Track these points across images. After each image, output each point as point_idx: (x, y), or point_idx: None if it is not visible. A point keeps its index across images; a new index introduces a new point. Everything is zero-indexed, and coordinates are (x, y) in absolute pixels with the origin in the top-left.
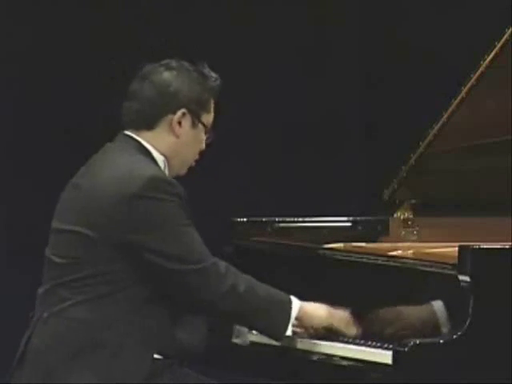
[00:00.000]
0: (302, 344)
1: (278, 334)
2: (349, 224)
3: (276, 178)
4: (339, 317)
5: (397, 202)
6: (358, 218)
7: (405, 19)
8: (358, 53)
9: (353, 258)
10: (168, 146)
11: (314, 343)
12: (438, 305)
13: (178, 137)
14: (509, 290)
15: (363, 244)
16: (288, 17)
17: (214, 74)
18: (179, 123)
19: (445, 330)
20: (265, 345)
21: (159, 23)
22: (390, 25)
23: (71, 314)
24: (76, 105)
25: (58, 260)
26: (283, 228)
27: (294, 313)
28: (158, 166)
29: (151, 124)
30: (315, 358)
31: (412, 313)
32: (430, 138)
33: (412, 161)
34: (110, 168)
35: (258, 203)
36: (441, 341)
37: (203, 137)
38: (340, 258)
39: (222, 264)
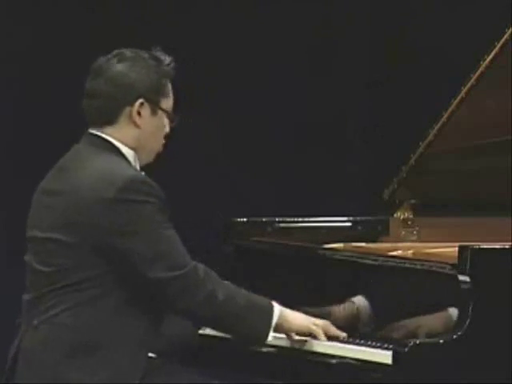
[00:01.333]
0: (302, 344)
1: (259, 340)
2: (349, 224)
3: (276, 177)
4: (318, 322)
5: (397, 201)
6: (358, 218)
7: (405, 20)
8: (358, 53)
9: (353, 258)
10: (133, 138)
11: (314, 343)
12: (455, 312)
13: (139, 127)
14: (508, 290)
15: (363, 244)
16: (293, 16)
17: (168, 58)
18: (139, 113)
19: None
20: (266, 345)
21: (162, 23)
22: (391, 26)
23: (61, 319)
24: (76, 105)
25: (42, 268)
26: (283, 228)
27: (274, 319)
28: (129, 162)
29: (112, 118)
30: (315, 358)
31: (432, 323)
32: (430, 138)
33: (412, 161)
34: (87, 171)
35: (258, 203)
36: (441, 341)
37: (165, 122)
38: (340, 258)
39: (201, 268)
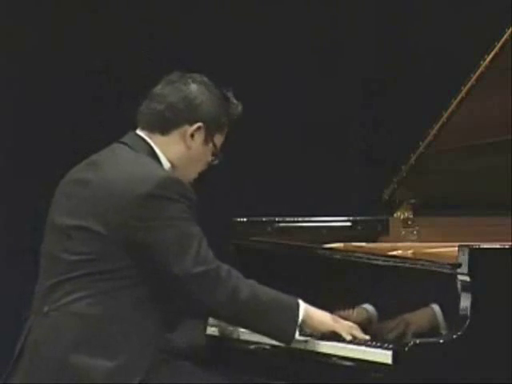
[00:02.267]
0: (303, 344)
1: (286, 338)
2: (349, 224)
3: (276, 177)
4: (343, 323)
5: (397, 201)
6: (358, 218)
7: (405, 20)
8: (359, 54)
9: (353, 258)
10: (176, 155)
11: (315, 343)
12: (436, 308)
13: (188, 148)
14: (508, 290)
15: (363, 244)
16: (296, 17)
17: (236, 101)
18: (192, 135)
19: (443, 332)
20: (265, 345)
21: (166, 22)
22: (392, 26)
23: (73, 308)
24: (76, 105)
25: (65, 256)
26: (283, 228)
27: (300, 316)
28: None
29: (166, 129)
30: (315, 358)
31: (413, 319)
32: (430, 138)
33: (412, 161)
34: (122, 167)
35: (258, 203)
36: (441, 341)
37: (210, 157)
38: (340, 258)
39: (225, 267)
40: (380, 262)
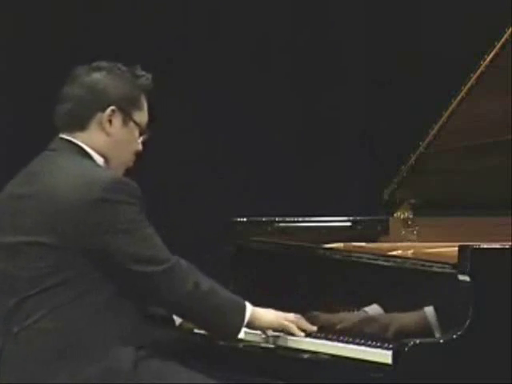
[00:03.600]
0: (302, 344)
1: (232, 334)
2: (349, 224)
3: (276, 177)
4: (290, 318)
5: (397, 201)
6: (358, 218)
7: (404, 18)
8: (358, 54)
9: (353, 258)
10: (102, 145)
11: (315, 343)
12: (429, 311)
13: (109, 135)
14: (509, 290)
15: (363, 244)
16: (291, 18)
17: (144, 73)
18: (109, 121)
19: (437, 335)
20: (266, 345)
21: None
22: (390, 25)
23: (42, 325)
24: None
25: (20, 273)
26: (283, 228)
27: (247, 314)
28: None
29: (83, 124)
30: (315, 357)
31: (404, 320)
32: (429, 138)
33: (412, 161)
34: (62, 175)
35: (258, 203)
36: (441, 341)
37: (137, 136)
38: (340, 258)
39: (184, 262)
40: (380, 262)
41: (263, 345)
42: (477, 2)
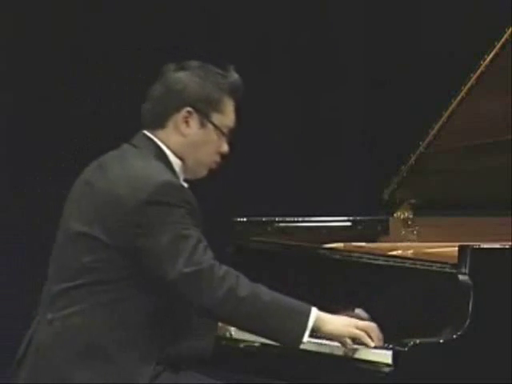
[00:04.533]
0: (302, 344)
1: (292, 340)
2: (349, 224)
3: (276, 177)
4: (360, 325)
5: (397, 201)
6: (358, 218)
7: (403, 20)
8: (358, 54)
9: (353, 258)
10: (178, 145)
11: (315, 343)
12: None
13: (184, 136)
14: (508, 290)
15: (363, 244)
16: (291, 17)
17: (229, 73)
18: (186, 122)
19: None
20: (265, 345)
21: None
22: (390, 24)
23: (74, 319)
24: (76, 105)
25: (71, 262)
26: (283, 228)
27: (311, 320)
28: (174, 171)
29: (162, 122)
30: (315, 358)
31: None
32: (429, 138)
33: (412, 161)
34: (124, 171)
35: (258, 203)
36: (441, 341)
37: (216, 138)
38: (340, 258)
39: (223, 267)
40: (380, 262)
41: (263, 345)
42: (477, 2)
